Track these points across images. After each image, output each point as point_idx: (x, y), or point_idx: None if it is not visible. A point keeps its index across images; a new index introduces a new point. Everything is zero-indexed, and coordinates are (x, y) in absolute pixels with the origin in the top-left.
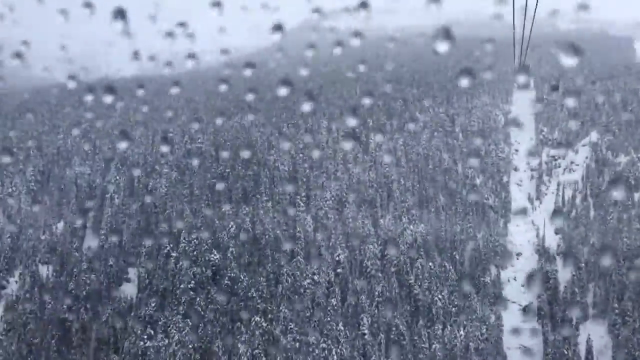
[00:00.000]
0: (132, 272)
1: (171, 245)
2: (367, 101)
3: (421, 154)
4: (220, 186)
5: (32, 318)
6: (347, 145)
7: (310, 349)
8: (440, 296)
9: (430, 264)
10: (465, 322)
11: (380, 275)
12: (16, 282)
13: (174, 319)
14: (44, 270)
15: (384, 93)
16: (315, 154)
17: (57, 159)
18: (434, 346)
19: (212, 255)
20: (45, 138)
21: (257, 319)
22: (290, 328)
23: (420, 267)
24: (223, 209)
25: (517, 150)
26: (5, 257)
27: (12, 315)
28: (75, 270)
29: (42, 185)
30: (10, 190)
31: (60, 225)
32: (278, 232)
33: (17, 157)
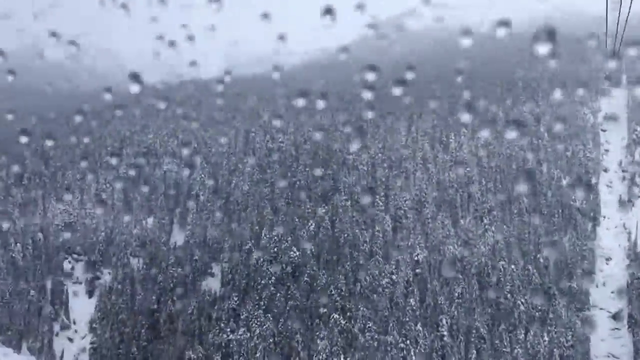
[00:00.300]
0: (216, 267)
1: (253, 242)
2: (446, 100)
3: (503, 154)
4: (300, 185)
5: (124, 308)
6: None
7: (389, 348)
8: (522, 300)
9: (513, 266)
10: (549, 328)
11: (460, 276)
12: (109, 273)
13: (255, 314)
14: (135, 263)
15: (466, 91)
16: (395, 153)
17: (147, 157)
18: (516, 351)
19: (292, 253)
20: (136, 137)
21: (336, 316)
22: (369, 326)
23: (501, 269)
24: (303, 208)
25: (607, 151)
26: (100, 250)
27: (106, 304)
28: (163, 263)
29: (133, 182)
30: (104, 186)
31: (150, 220)
32: (357, 231)
33: (111, 155)
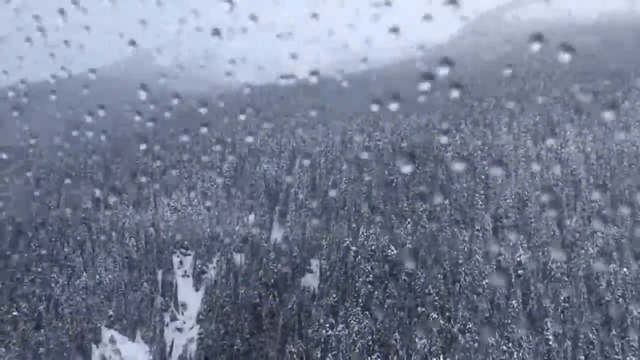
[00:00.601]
0: (314, 264)
1: (350, 239)
2: (550, 95)
3: (614, 151)
4: (398, 182)
5: (228, 301)
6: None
7: (490, 351)
8: (635, 305)
9: (625, 269)
10: None
11: (566, 279)
12: (214, 268)
13: (353, 311)
14: (238, 258)
15: (571, 86)
16: (495, 150)
17: (248, 157)
18: (628, 359)
19: (390, 251)
20: (237, 137)
21: (435, 315)
22: (469, 327)
23: (612, 272)
24: (400, 206)
25: None
26: (205, 245)
27: (212, 297)
28: (264, 259)
29: (235, 180)
30: (208, 185)
31: (251, 217)
32: (455, 230)
33: (214, 155)
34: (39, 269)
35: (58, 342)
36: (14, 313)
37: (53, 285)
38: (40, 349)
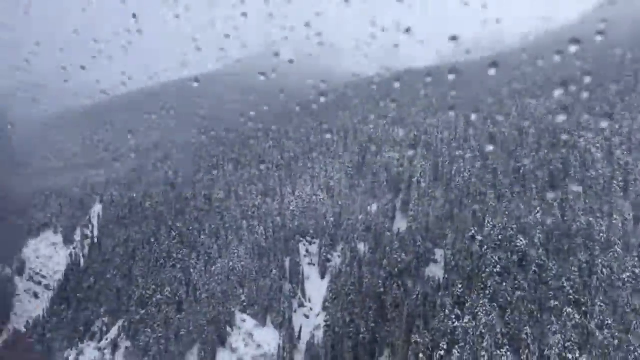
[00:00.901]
0: (439, 254)
1: (476, 229)
2: None
3: None
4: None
5: (353, 290)
6: None
7: (632, 349)
8: None
9: None
10: None
11: None
12: (339, 256)
13: (480, 302)
14: (362, 247)
15: None
16: (636, 134)
17: (369, 146)
18: None
19: (518, 241)
20: (359, 127)
21: (569, 310)
22: (608, 323)
23: None
24: (528, 194)
25: None
26: (330, 234)
27: (337, 285)
28: (387, 248)
29: (358, 170)
30: (332, 175)
31: (374, 206)
32: (591, 219)
33: (337, 145)
34: (179, 256)
35: (197, 324)
36: (158, 297)
37: (192, 270)
38: (182, 331)
